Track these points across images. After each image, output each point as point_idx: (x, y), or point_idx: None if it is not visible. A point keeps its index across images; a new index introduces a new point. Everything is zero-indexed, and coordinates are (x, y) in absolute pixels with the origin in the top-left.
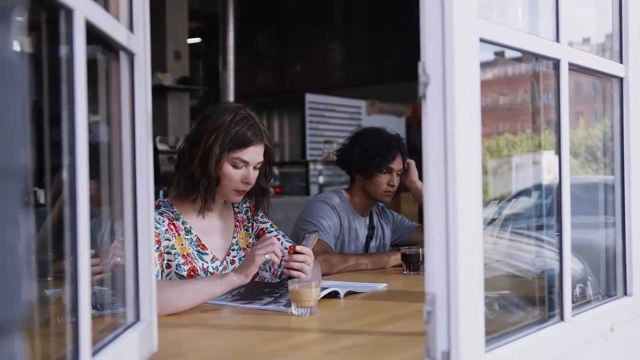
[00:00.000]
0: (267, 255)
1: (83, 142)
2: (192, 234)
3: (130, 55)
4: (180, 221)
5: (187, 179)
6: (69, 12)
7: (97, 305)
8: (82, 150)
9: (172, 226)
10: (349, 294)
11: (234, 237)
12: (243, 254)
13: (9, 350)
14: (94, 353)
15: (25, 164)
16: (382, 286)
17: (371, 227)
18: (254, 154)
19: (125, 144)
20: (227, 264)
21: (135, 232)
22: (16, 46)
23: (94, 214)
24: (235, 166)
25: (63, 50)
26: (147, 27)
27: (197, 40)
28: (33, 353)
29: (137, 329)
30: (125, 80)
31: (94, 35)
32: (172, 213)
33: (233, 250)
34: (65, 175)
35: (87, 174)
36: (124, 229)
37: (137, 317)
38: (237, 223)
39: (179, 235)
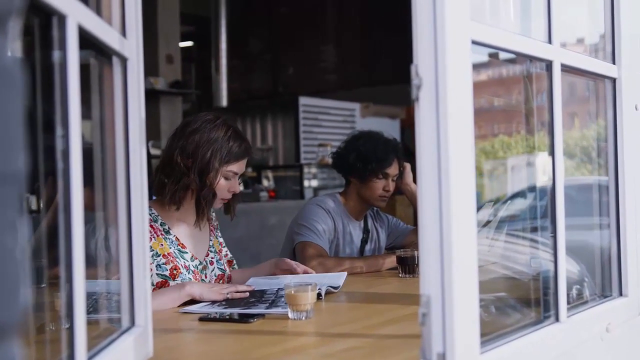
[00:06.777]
0: (228, 295)
1: (77, 147)
2: (171, 234)
3: (123, 60)
4: (159, 222)
5: (182, 190)
6: (62, 18)
7: (90, 309)
8: (76, 156)
9: (149, 228)
10: (328, 293)
11: (210, 240)
12: (218, 257)
13: (9, 354)
14: (89, 358)
15: (23, 169)
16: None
17: (366, 231)
18: (243, 166)
19: (119, 149)
20: (206, 263)
21: (130, 237)
22: (13, 52)
23: (88, 220)
24: (226, 178)
25: (56, 55)
26: (139, 32)
27: (189, 43)
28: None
29: (133, 334)
30: (118, 85)
31: (86, 40)
32: (150, 215)
33: (211, 251)
34: (59, 180)
35: (80, 179)
36: (118, 235)
37: (132, 323)
38: (212, 228)
39: (157, 236)
